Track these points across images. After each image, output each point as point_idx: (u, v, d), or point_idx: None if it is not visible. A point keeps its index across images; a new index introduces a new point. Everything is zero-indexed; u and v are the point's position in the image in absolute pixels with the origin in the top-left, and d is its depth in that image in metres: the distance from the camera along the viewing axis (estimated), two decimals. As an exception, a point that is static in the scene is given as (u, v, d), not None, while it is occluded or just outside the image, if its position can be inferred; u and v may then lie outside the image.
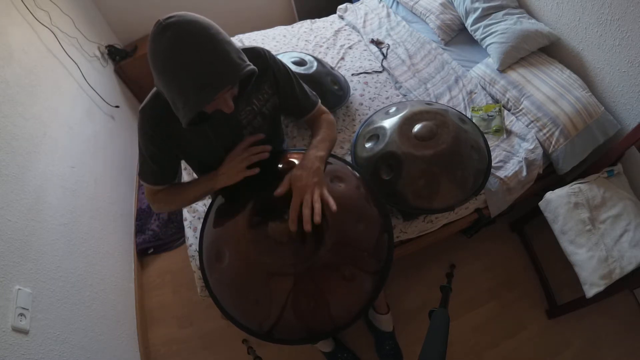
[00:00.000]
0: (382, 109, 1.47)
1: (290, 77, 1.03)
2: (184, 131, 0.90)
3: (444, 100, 1.71)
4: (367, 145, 1.32)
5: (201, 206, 1.46)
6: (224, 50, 0.73)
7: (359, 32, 2.20)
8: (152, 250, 1.94)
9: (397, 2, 2.30)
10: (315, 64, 1.62)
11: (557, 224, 1.35)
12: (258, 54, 0.96)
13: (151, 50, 0.72)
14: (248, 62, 0.78)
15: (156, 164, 0.94)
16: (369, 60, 1.99)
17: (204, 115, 0.88)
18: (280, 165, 1.01)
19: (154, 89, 0.89)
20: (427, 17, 2.03)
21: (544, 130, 1.50)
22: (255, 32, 2.24)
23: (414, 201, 1.23)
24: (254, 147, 0.97)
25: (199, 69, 0.71)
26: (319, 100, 1.13)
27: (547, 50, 1.71)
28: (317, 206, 0.82)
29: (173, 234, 1.97)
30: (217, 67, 0.72)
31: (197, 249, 1.05)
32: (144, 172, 0.97)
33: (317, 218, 0.81)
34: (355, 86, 1.83)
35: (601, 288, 1.19)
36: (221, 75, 0.73)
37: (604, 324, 1.54)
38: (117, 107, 2.15)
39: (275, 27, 2.28)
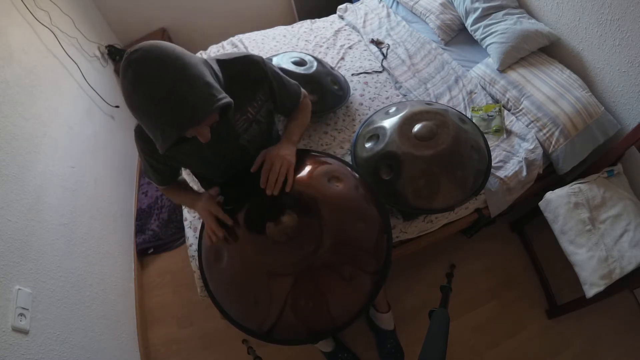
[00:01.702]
0: (382, 109, 1.47)
1: (282, 81, 1.03)
2: (184, 146, 0.89)
3: (444, 100, 1.71)
4: (367, 145, 1.32)
5: (201, 206, 1.46)
6: (191, 89, 0.68)
7: (359, 32, 2.20)
8: (152, 250, 1.94)
9: (397, 2, 2.30)
10: (315, 64, 1.62)
11: (557, 224, 1.35)
12: (253, 64, 0.94)
13: (121, 85, 0.70)
14: (219, 97, 0.72)
15: (156, 172, 1.02)
16: (369, 60, 1.99)
17: (185, 138, 0.83)
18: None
19: None
20: (427, 17, 2.03)
21: (544, 130, 1.50)
22: (255, 32, 2.24)
23: (414, 201, 1.23)
24: (221, 213, 0.94)
25: (161, 111, 0.67)
26: (301, 88, 1.15)
27: (547, 50, 1.71)
28: (280, 179, 0.90)
29: (173, 234, 1.97)
30: (181, 109, 0.67)
31: (197, 249, 1.06)
32: (147, 173, 1.04)
33: (274, 191, 0.89)
34: (355, 86, 1.83)
35: (601, 288, 1.19)
36: (188, 117, 0.68)
37: (604, 324, 1.54)
38: (117, 107, 2.15)
39: (275, 27, 2.28)
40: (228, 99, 0.73)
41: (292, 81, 1.10)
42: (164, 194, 1.13)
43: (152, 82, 0.65)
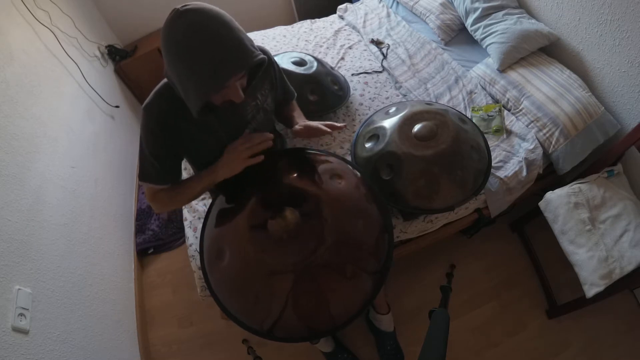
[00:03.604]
0: (382, 109, 1.47)
1: (282, 73, 1.11)
2: (190, 128, 0.90)
3: (444, 100, 1.71)
4: (367, 145, 1.32)
5: (201, 206, 1.47)
6: (237, 38, 0.75)
7: (359, 32, 2.20)
8: (152, 250, 1.94)
9: (397, 2, 2.30)
10: (315, 64, 1.62)
11: (557, 224, 1.35)
12: (262, 51, 0.99)
13: (166, 36, 0.74)
14: (259, 52, 0.80)
15: (159, 163, 0.93)
16: (369, 60, 1.99)
17: (212, 107, 0.88)
18: (278, 165, 1.02)
19: (157, 86, 0.90)
20: (427, 17, 2.03)
21: (544, 130, 1.50)
22: (255, 32, 2.24)
23: (414, 201, 1.23)
24: (257, 135, 0.96)
25: (213, 54, 0.73)
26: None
27: (547, 50, 1.71)
28: (326, 126, 1.02)
29: (173, 234, 1.97)
30: (231, 53, 0.74)
31: (197, 249, 1.06)
32: (145, 173, 0.95)
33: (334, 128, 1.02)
34: (355, 86, 1.83)
35: (601, 288, 1.19)
36: (235, 61, 0.75)
37: (604, 324, 1.54)
38: (117, 107, 2.15)
39: (275, 27, 2.28)
40: (264, 56, 0.81)
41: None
42: (161, 208, 1.00)
43: (208, 26, 0.72)
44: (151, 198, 1.00)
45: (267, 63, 0.97)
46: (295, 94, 1.22)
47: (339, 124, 1.03)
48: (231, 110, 0.91)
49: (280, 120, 1.24)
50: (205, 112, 0.86)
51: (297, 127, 1.07)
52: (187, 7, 0.72)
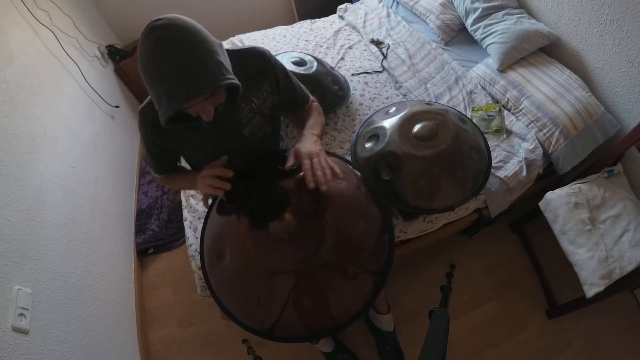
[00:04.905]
0: (382, 109, 1.47)
1: (288, 75, 1.07)
2: (183, 131, 0.92)
3: (444, 100, 1.71)
4: (367, 145, 1.32)
5: (201, 206, 1.46)
6: (201, 61, 0.72)
7: (359, 32, 2.20)
8: (152, 250, 1.94)
9: (397, 2, 2.30)
10: (315, 64, 1.62)
11: (557, 224, 1.35)
12: (259, 54, 0.98)
13: (139, 49, 0.74)
14: (228, 76, 0.76)
15: (154, 158, 1.04)
16: (369, 60, 1.99)
17: (188, 116, 0.86)
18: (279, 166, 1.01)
19: None
20: (427, 17, 2.03)
21: (544, 130, 1.50)
22: (255, 32, 2.24)
23: (414, 201, 1.23)
24: (216, 170, 0.93)
25: (173, 74, 0.71)
26: (309, 93, 1.19)
27: (547, 50, 1.71)
28: (328, 172, 0.86)
29: (173, 234, 1.97)
30: (190, 77, 0.72)
31: (197, 249, 1.06)
32: (147, 161, 1.09)
33: (329, 183, 0.85)
34: (355, 86, 1.83)
35: (601, 288, 1.19)
36: (193, 86, 0.72)
37: (604, 324, 1.54)
38: (117, 107, 2.15)
39: (275, 27, 2.28)
40: (237, 81, 0.78)
41: (301, 84, 1.14)
42: (162, 184, 1.14)
43: (172, 45, 0.70)
44: (156, 177, 1.15)
45: (267, 65, 0.98)
46: (309, 99, 1.16)
47: (335, 174, 0.88)
48: (224, 115, 0.90)
49: (293, 120, 1.23)
50: (177, 121, 0.86)
51: (295, 146, 0.95)
52: (158, 22, 0.70)
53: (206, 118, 0.81)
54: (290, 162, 0.91)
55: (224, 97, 0.83)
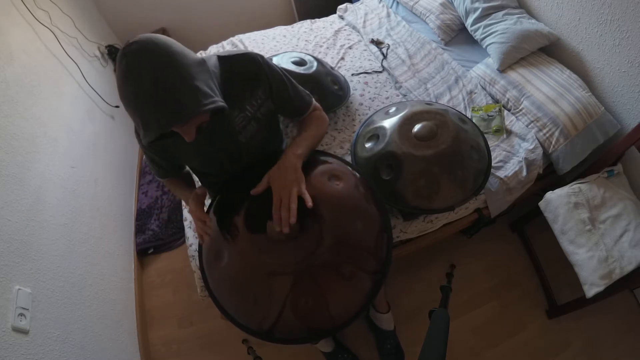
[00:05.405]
0: (382, 109, 1.47)
1: (284, 81, 0.99)
2: (180, 141, 0.87)
3: (444, 100, 1.71)
4: (367, 145, 1.32)
5: (201, 206, 1.46)
6: (176, 89, 0.68)
7: (359, 32, 2.20)
8: (152, 250, 1.94)
9: (397, 2, 2.30)
10: (315, 64, 1.62)
11: (557, 224, 1.35)
12: (251, 60, 0.92)
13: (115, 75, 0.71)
14: (205, 102, 0.71)
15: (157, 165, 1.04)
16: (369, 60, 1.99)
17: (175, 132, 0.82)
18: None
19: None
20: (427, 17, 2.03)
21: (544, 130, 1.50)
22: (255, 32, 2.24)
23: (414, 201, 1.23)
24: (200, 215, 0.94)
25: (144, 106, 0.67)
26: (313, 99, 1.11)
27: (547, 50, 1.71)
28: (293, 207, 0.83)
29: (173, 234, 1.97)
30: (163, 108, 0.67)
31: (197, 249, 1.06)
32: (148, 165, 1.11)
33: (293, 219, 0.82)
34: (355, 86, 1.83)
35: (601, 288, 1.19)
36: (164, 117, 0.68)
37: (604, 324, 1.54)
38: (117, 107, 2.15)
39: (275, 27, 2.28)
40: (215, 105, 0.72)
41: (301, 88, 1.07)
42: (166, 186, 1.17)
43: (140, 75, 0.65)
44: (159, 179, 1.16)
45: (260, 71, 0.93)
46: (309, 108, 1.07)
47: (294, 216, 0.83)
48: (216, 126, 0.87)
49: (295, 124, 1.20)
50: (167, 142, 0.86)
51: (270, 171, 0.91)
52: (130, 48, 0.65)
53: (188, 139, 0.77)
54: (260, 187, 0.89)
55: (207, 116, 0.79)
